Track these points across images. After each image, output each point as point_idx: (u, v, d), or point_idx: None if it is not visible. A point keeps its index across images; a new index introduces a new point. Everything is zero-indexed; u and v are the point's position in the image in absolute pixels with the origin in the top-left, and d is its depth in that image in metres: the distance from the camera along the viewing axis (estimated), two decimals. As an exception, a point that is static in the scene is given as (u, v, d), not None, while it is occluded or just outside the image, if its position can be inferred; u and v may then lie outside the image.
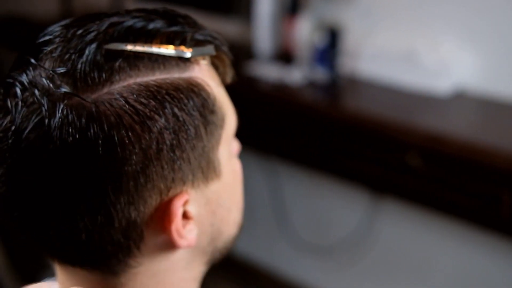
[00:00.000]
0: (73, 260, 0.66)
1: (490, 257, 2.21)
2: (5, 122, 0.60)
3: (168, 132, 0.61)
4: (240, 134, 0.77)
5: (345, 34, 2.31)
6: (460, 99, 2.12)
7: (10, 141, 0.59)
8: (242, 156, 0.76)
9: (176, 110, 0.61)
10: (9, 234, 2.64)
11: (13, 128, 0.59)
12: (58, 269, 0.70)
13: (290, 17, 2.41)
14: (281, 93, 2.22)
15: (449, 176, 1.83)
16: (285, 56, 2.45)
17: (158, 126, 0.60)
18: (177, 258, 0.69)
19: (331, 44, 2.24)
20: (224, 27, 2.66)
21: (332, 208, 2.64)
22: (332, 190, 2.58)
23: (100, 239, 0.61)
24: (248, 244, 2.99)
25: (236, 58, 0.75)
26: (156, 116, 0.60)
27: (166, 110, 0.61)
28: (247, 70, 2.34)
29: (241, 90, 2.19)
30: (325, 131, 2.11)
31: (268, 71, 2.31)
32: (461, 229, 2.24)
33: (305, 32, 2.35)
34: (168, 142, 0.61)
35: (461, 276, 2.31)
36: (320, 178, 2.58)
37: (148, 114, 0.60)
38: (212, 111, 0.65)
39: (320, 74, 2.28)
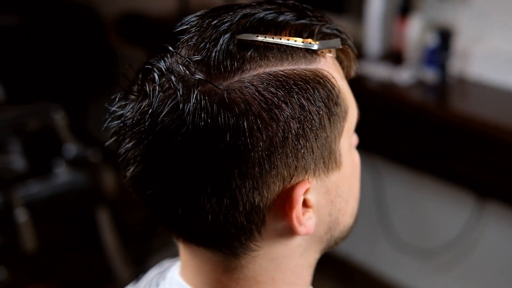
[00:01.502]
0: (198, 240, 0.69)
1: None
2: (143, 105, 0.63)
3: (294, 121, 0.62)
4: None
5: (456, 35, 2.27)
6: None
7: (147, 123, 0.62)
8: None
9: (302, 100, 0.63)
10: (121, 220, 2.74)
11: (150, 111, 0.62)
12: (181, 248, 0.74)
13: (401, 17, 2.40)
14: (389, 92, 2.22)
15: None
16: (394, 55, 2.44)
17: (285, 115, 0.62)
18: (295, 244, 0.71)
19: (442, 45, 2.22)
20: (335, 25, 2.67)
21: (435, 211, 2.60)
22: (436, 192, 2.55)
23: (224, 221, 0.64)
24: (349, 242, 2.96)
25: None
26: (284, 105, 0.62)
27: (293, 100, 0.62)
28: (357, 68, 2.33)
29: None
30: (432, 132, 2.09)
31: (377, 70, 2.31)
32: None
33: (416, 32, 2.33)
34: (293, 131, 0.62)
35: None
36: (424, 179, 2.55)
37: (276, 103, 0.62)
38: (336, 103, 0.67)
39: (430, 74, 2.26)
